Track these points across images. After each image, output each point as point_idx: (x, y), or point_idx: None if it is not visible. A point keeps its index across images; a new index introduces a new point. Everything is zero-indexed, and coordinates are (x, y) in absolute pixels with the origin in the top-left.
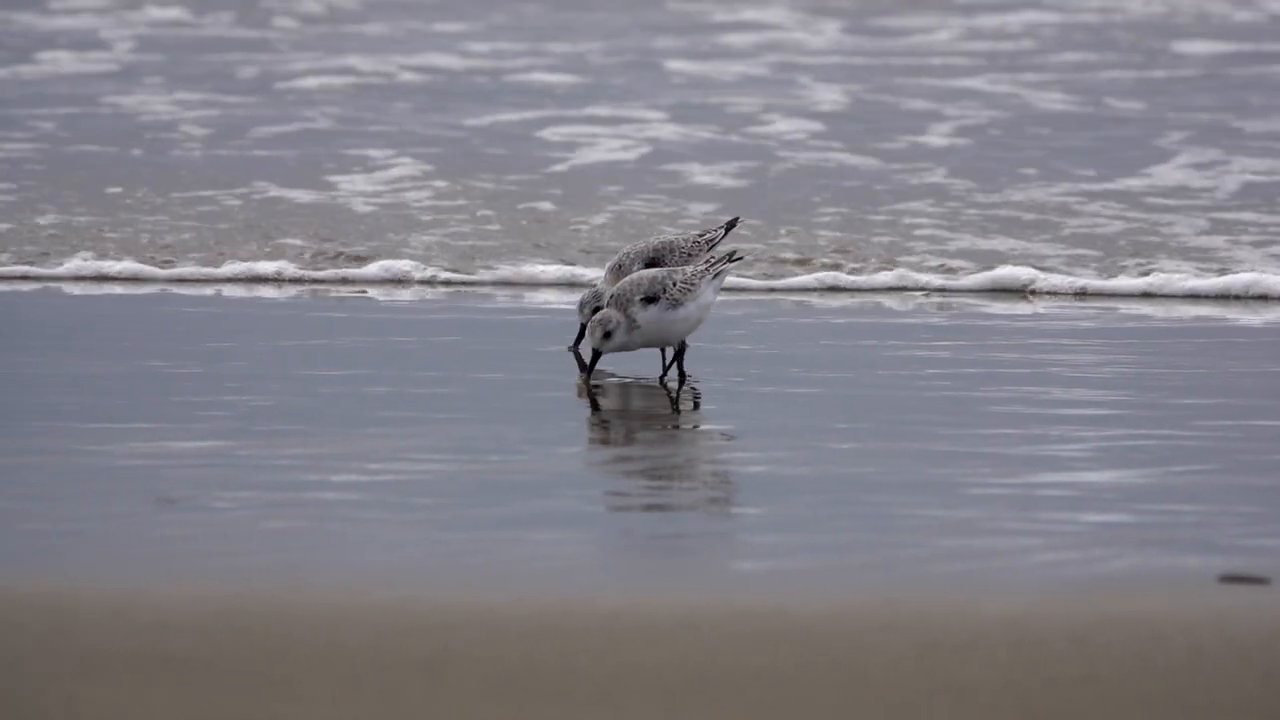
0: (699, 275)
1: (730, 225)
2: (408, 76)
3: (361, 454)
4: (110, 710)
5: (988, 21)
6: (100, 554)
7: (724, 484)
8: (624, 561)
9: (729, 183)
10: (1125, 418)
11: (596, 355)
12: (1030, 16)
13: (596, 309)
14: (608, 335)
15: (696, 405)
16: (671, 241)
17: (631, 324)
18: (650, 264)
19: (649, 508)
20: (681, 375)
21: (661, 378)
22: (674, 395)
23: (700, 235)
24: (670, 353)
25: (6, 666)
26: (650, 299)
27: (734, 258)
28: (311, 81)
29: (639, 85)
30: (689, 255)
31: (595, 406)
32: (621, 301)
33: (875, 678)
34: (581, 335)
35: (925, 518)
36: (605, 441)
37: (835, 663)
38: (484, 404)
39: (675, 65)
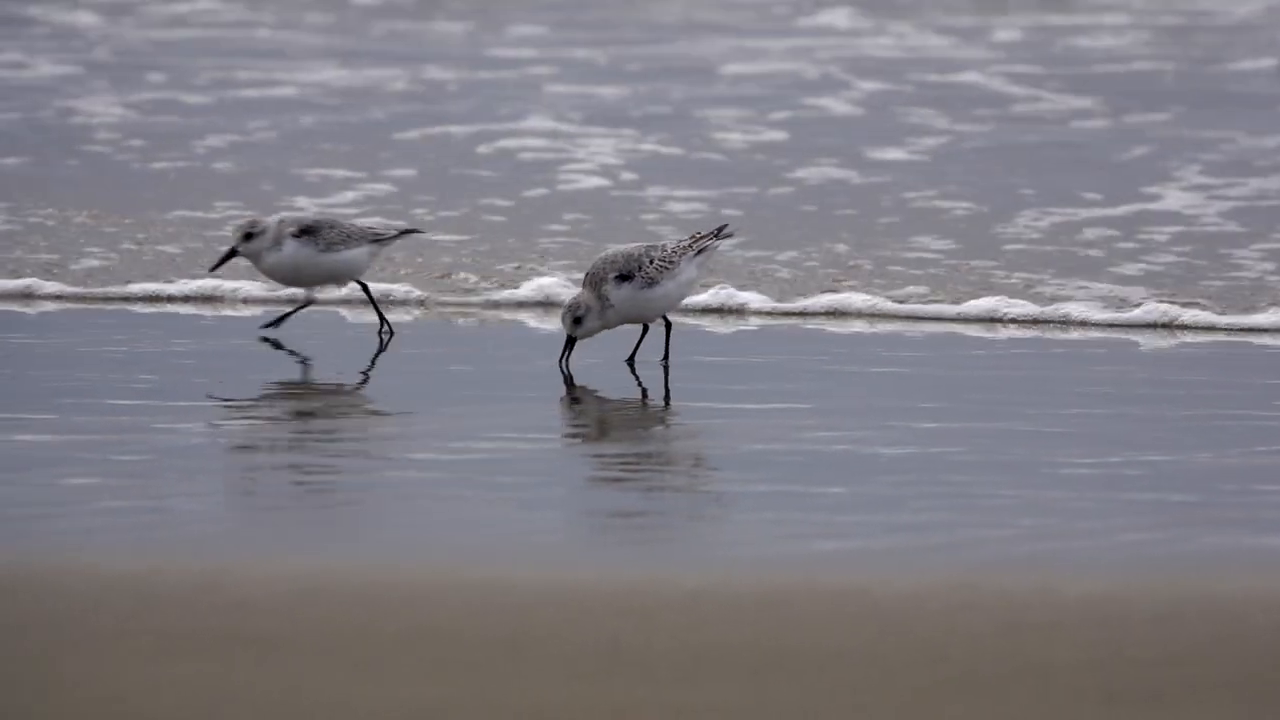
0: (680, 252)
1: (719, 231)
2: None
3: (444, 432)
4: (193, 689)
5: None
6: (183, 532)
7: (806, 464)
8: (706, 541)
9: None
10: (1208, 398)
11: (571, 342)
12: None
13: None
14: (578, 321)
15: (667, 392)
16: (649, 247)
17: (605, 304)
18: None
19: (730, 487)
20: (666, 353)
21: (630, 358)
22: (665, 373)
23: (691, 240)
24: (645, 332)
25: (91, 645)
26: (624, 277)
27: (723, 233)
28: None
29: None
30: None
31: (570, 385)
32: (595, 280)
33: (956, 657)
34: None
35: (1006, 498)
36: (684, 423)
37: (916, 642)
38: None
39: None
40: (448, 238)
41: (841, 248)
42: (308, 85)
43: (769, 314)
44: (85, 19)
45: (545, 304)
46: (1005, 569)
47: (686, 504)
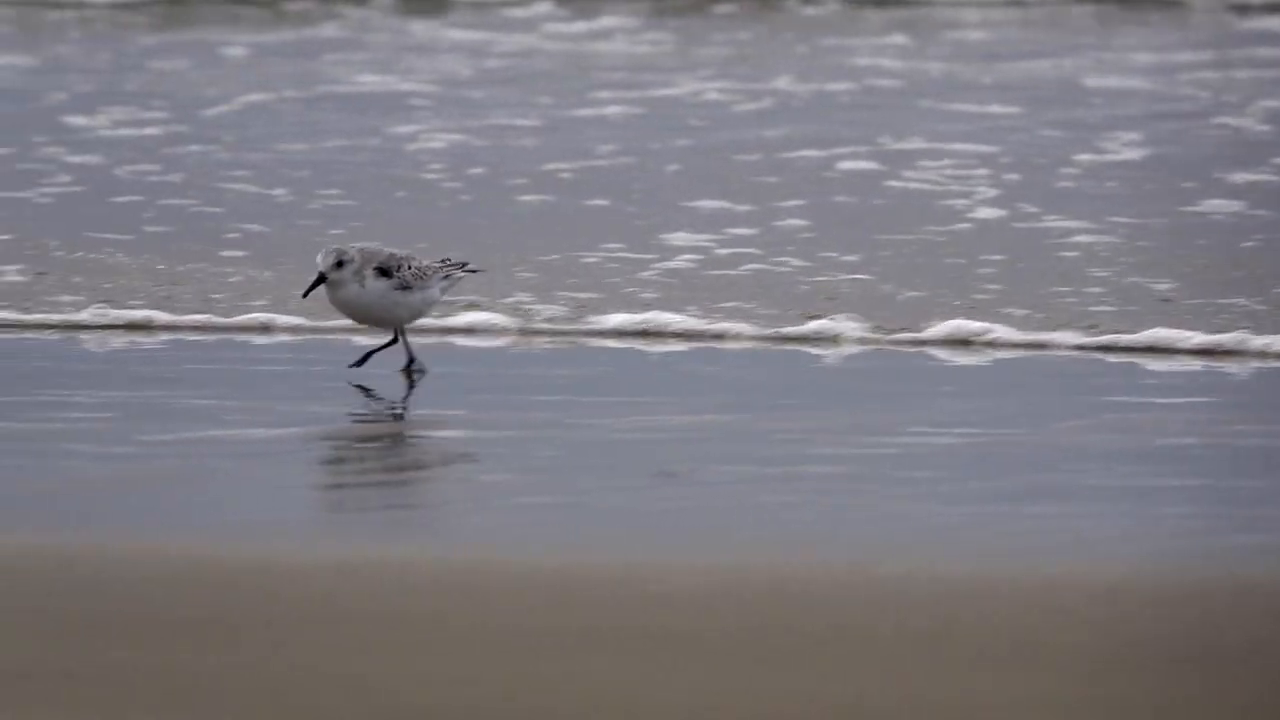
0: (432, 269)
1: (464, 265)
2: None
3: (856, 427)
4: (609, 683)
5: None
6: (601, 527)
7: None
8: (1125, 534)
9: None
10: None
11: (321, 280)
12: None
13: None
14: (340, 265)
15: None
16: (405, 256)
17: (361, 282)
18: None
19: (1155, 480)
20: (409, 353)
21: (360, 361)
22: (411, 377)
23: (440, 263)
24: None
25: (514, 639)
26: (384, 271)
27: (468, 267)
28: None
29: None
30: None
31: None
32: (359, 260)
33: None
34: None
35: None
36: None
37: None
38: (975, 378)
39: None
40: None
41: None
42: None
43: None
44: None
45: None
46: None
47: (1106, 501)
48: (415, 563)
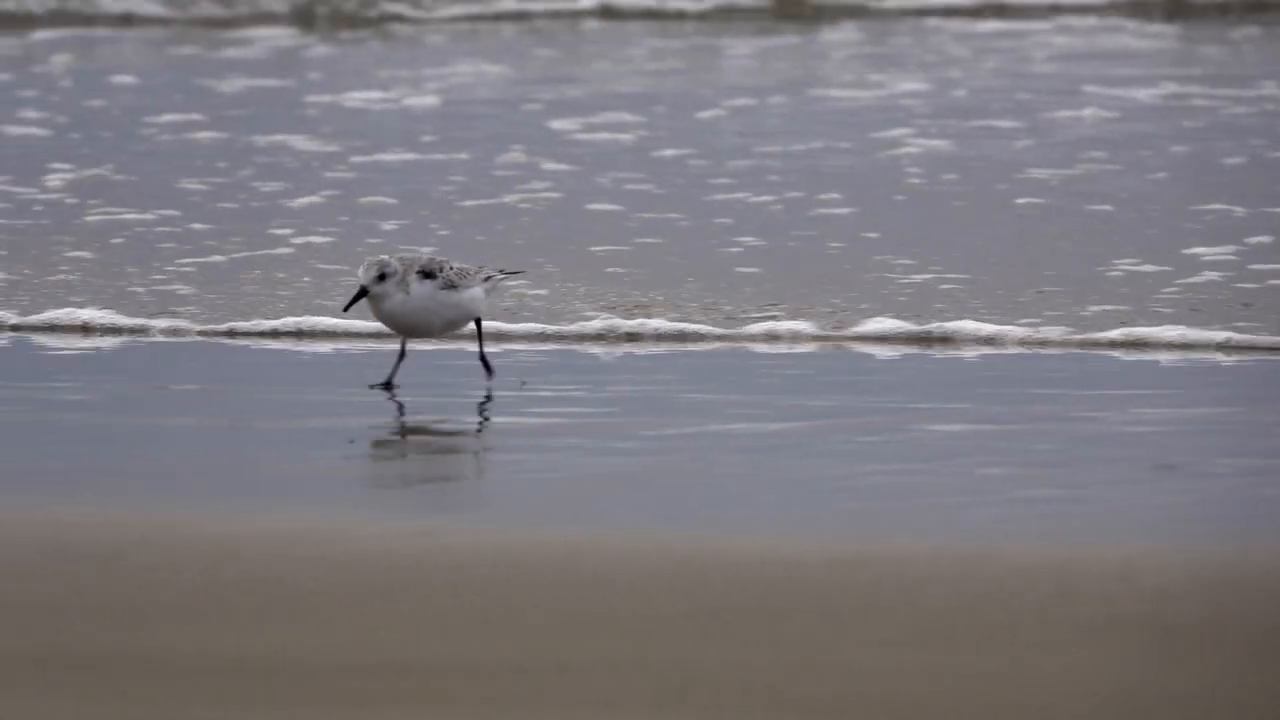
0: (472, 271)
1: (513, 272)
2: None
3: None
4: (1108, 679)
5: None
6: (1100, 520)
7: None
8: None
9: None
10: None
11: (363, 293)
12: None
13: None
14: (383, 277)
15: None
16: (444, 259)
17: (405, 289)
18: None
19: None
20: (487, 367)
21: (382, 384)
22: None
23: (477, 268)
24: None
25: (1007, 632)
26: (427, 274)
27: (512, 271)
28: None
29: None
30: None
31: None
32: (400, 270)
33: None
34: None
35: None
36: None
37: None
38: None
39: None
40: None
41: None
42: None
43: None
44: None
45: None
46: None
47: None
48: (915, 555)
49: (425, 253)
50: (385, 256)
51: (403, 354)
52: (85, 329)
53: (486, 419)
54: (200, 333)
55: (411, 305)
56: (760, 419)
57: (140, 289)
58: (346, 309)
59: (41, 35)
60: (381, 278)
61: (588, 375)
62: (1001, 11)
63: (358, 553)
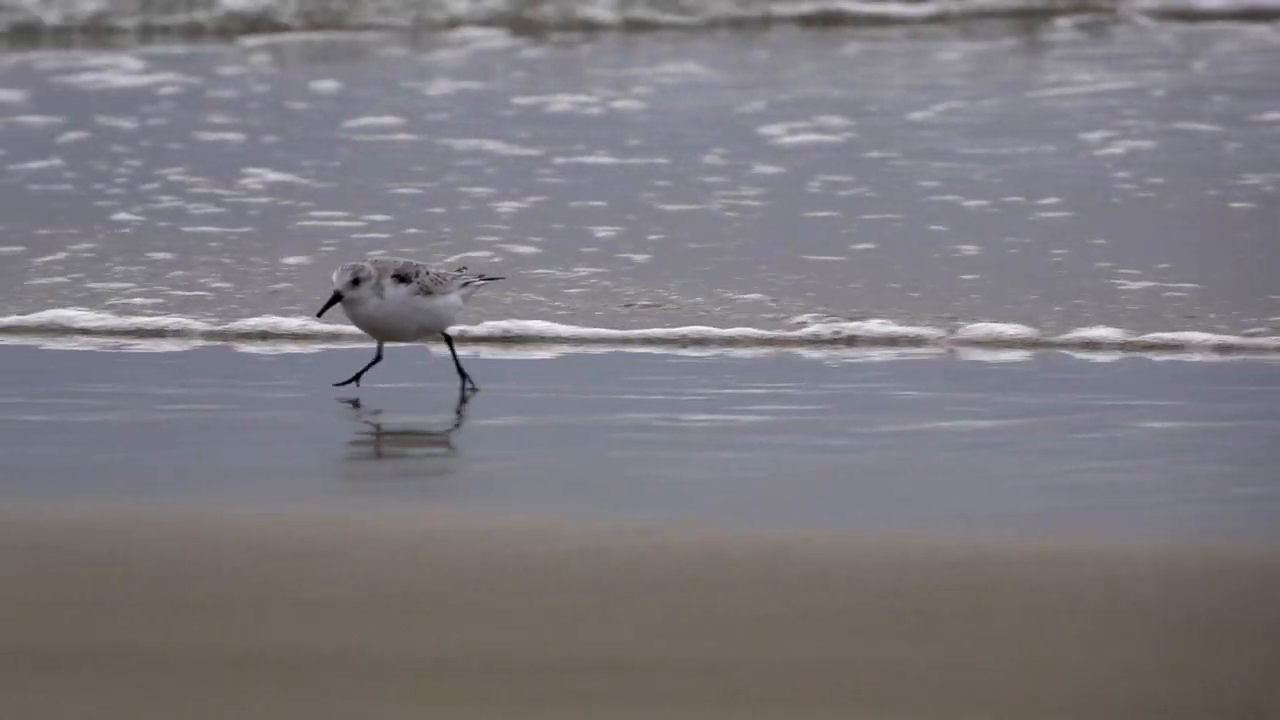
0: (449, 277)
1: (481, 275)
2: None
3: None
4: None
5: None
6: None
7: None
8: None
9: None
10: None
11: (336, 298)
12: None
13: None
14: (356, 282)
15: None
16: (420, 263)
17: (379, 293)
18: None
19: None
20: (463, 376)
21: (347, 381)
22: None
23: (456, 270)
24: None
25: (1216, 629)
26: (402, 278)
27: (486, 276)
28: None
29: None
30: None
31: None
32: (375, 274)
33: None
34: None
35: None
36: None
37: None
38: None
39: None
40: None
41: None
42: None
43: None
44: None
45: None
46: None
47: None
48: (1124, 553)
49: (401, 258)
50: (360, 261)
51: (378, 357)
52: (294, 337)
53: (693, 417)
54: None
55: (385, 310)
56: (973, 416)
57: None
58: (320, 314)
59: (266, 40)
60: (355, 282)
61: (800, 375)
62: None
63: (572, 552)
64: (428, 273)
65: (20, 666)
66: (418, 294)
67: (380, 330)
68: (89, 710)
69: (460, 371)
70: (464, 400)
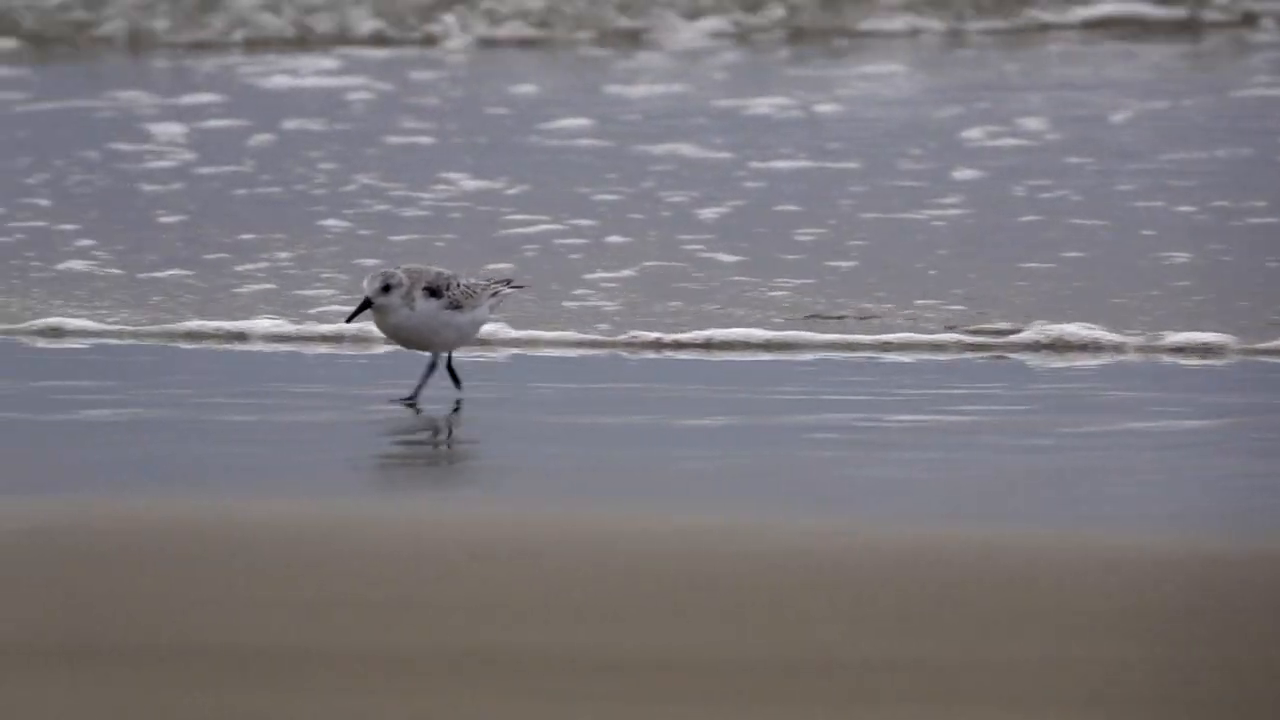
0: (480, 288)
1: (508, 281)
2: None
3: None
4: None
5: None
6: None
7: None
8: None
9: None
10: None
11: (367, 304)
12: None
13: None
14: (387, 289)
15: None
16: (452, 274)
17: (410, 304)
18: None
19: None
20: (455, 379)
21: (412, 398)
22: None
23: (485, 284)
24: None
25: None
26: (433, 291)
27: (513, 283)
28: None
29: None
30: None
31: None
32: (407, 283)
33: None
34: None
35: None
36: None
37: None
38: None
39: None
40: None
41: None
42: None
43: None
44: None
45: None
46: None
47: None
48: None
49: (434, 268)
50: (391, 268)
51: (433, 367)
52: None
53: (893, 418)
54: (621, 344)
55: (414, 322)
56: (1178, 417)
57: (571, 304)
58: (350, 319)
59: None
60: (386, 289)
61: (1004, 377)
62: None
63: (783, 550)
64: (460, 285)
65: (17, 665)
66: (447, 309)
67: (406, 341)
68: (111, 702)
69: (452, 373)
70: (456, 408)
